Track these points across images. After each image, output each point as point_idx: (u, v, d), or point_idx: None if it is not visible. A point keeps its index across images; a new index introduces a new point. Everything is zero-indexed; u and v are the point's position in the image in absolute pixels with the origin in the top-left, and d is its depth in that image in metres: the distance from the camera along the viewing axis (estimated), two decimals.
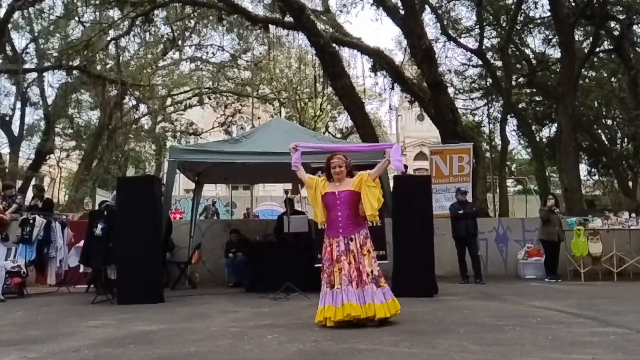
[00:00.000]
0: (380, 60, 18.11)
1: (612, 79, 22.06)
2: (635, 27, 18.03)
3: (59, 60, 18.99)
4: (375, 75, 18.93)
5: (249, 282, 9.24)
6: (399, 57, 20.94)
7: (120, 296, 7.43)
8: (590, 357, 3.53)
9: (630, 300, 7.16)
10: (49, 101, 22.30)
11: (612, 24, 18.01)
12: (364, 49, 18.10)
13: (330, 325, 4.88)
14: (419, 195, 8.11)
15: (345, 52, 18.14)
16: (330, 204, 5.23)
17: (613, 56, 19.45)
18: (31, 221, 9.11)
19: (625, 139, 24.38)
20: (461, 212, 10.41)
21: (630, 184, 22.78)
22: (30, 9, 19.39)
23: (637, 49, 18.65)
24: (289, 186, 14.75)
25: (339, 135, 28.83)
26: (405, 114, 40.52)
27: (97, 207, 12.25)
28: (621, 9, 17.10)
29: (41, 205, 10.28)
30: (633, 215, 11.20)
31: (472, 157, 13.48)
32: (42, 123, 23.46)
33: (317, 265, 8.40)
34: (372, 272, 5.05)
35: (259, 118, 24.77)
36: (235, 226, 11.36)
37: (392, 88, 19.47)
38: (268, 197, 26.97)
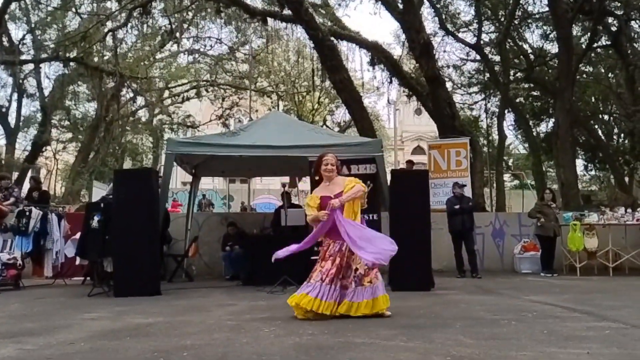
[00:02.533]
0: (378, 54, 18.06)
1: (610, 75, 22.06)
2: (632, 22, 18.03)
3: (56, 51, 18.88)
4: (374, 69, 18.89)
5: (245, 275, 9.25)
6: (397, 51, 20.91)
7: (117, 289, 7.43)
8: (586, 352, 3.55)
9: (625, 295, 7.18)
10: (46, 93, 22.21)
11: (610, 20, 18.00)
12: (363, 43, 18.05)
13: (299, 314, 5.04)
14: (417, 190, 8.11)
15: (344, 46, 18.09)
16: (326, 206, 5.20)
17: (611, 52, 19.44)
18: (27, 213, 9.09)
19: (622, 135, 24.41)
20: (457, 207, 10.43)
21: (627, 179, 22.82)
22: (27, 0, 19.28)
23: (634, 44, 18.66)
24: (286, 179, 14.74)
25: (336, 129, 28.81)
26: (403, 108, 40.48)
27: (94, 200, 12.24)
28: (619, 4, 17.09)
29: (37, 197, 10.28)
30: (629, 210, 11.25)
31: (470, 151, 13.50)
32: (39, 115, 23.38)
33: (313, 257, 8.44)
34: (356, 270, 5.15)
35: (256, 111, 24.71)
36: (233, 219, 11.36)
37: (390, 82, 19.43)
38: (265, 191, 27.01)
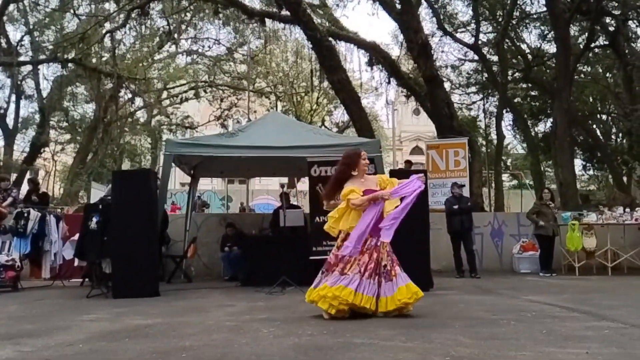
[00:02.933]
0: (376, 55, 18.07)
1: (607, 75, 22.09)
2: (630, 22, 18.05)
3: (54, 53, 18.87)
4: (372, 69, 18.89)
5: (244, 276, 9.25)
6: (395, 51, 20.87)
7: (116, 290, 7.41)
8: (585, 351, 3.55)
9: (624, 295, 7.19)
10: (44, 94, 22.17)
11: (608, 20, 18.02)
12: (361, 43, 18.05)
13: (335, 307, 4.95)
14: None
15: (342, 46, 18.08)
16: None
17: (608, 52, 19.47)
18: (26, 214, 9.08)
19: (620, 134, 24.44)
20: (456, 207, 10.43)
21: (625, 179, 22.84)
22: (26, 1, 19.27)
23: (632, 44, 18.68)
24: (285, 180, 14.73)
25: (335, 130, 28.80)
26: (402, 108, 40.52)
27: (92, 201, 12.23)
28: (616, 4, 17.11)
29: (37, 199, 10.26)
30: (627, 210, 11.26)
31: (468, 151, 13.49)
32: (37, 116, 23.35)
33: (312, 258, 8.44)
34: (385, 266, 5.20)
35: (255, 112, 24.71)
36: (231, 220, 11.36)
37: (389, 82, 19.43)
38: (264, 191, 27.00)
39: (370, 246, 5.18)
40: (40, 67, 20.88)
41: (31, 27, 20.64)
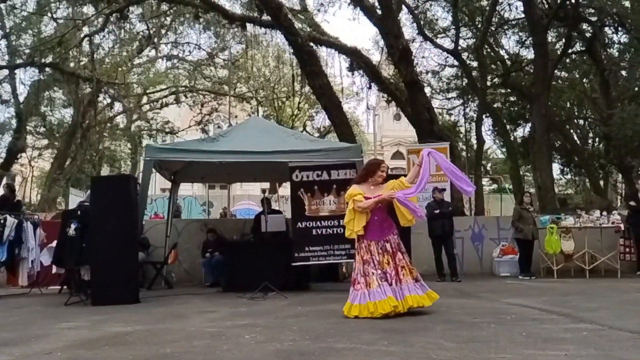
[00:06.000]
0: (357, 60, 18.15)
1: (584, 80, 22.43)
2: (606, 29, 18.38)
3: (31, 57, 18.61)
4: (353, 74, 19.00)
5: (226, 282, 9.21)
6: (376, 56, 21.01)
7: (95, 297, 7.32)
8: (563, 353, 3.59)
9: (601, 297, 7.29)
10: (21, 99, 21.83)
11: (584, 26, 18.33)
12: (342, 48, 18.12)
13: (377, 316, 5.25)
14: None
15: (323, 51, 18.14)
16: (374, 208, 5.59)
17: (585, 57, 19.78)
18: (2, 221, 8.93)
19: (597, 139, 24.82)
20: (437, 211, 10.50)
21: (602, 182, 23.20)
22: (2, 5, 18.99)
23: (608, 50, 19.01)
24: (266, 185, 14.73)
25: (316, 135, 28.83)
26: (383, 113, 40.73)
27: (70, 208, 12.04)
28: (593, 11, 17.41)
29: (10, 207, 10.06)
30: (604, 213, 11.42)
31: (449, 156, 13.58)
32: (14, 121, 22.96)
33: (294, 264, 8.43)
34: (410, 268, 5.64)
35: (236, 117, 24.65)
36: (212, 225, 11.29)
37: (370, 87, 19.57)
38: (245, 197, 26.87)
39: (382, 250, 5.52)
40: (17, 71, 20.54)
41: (8, 30, 20.32)
